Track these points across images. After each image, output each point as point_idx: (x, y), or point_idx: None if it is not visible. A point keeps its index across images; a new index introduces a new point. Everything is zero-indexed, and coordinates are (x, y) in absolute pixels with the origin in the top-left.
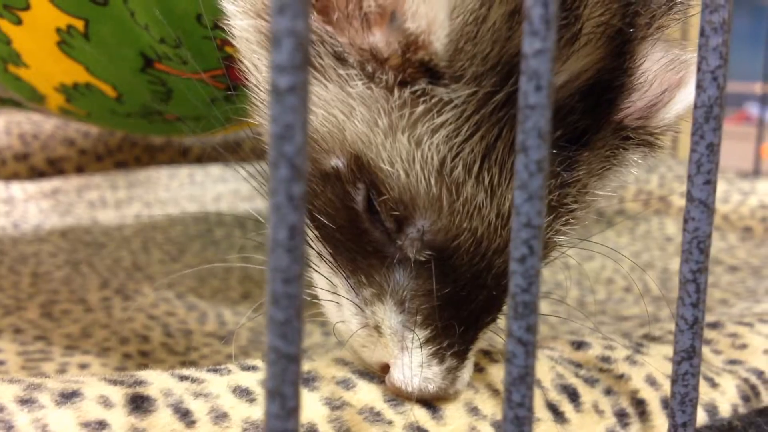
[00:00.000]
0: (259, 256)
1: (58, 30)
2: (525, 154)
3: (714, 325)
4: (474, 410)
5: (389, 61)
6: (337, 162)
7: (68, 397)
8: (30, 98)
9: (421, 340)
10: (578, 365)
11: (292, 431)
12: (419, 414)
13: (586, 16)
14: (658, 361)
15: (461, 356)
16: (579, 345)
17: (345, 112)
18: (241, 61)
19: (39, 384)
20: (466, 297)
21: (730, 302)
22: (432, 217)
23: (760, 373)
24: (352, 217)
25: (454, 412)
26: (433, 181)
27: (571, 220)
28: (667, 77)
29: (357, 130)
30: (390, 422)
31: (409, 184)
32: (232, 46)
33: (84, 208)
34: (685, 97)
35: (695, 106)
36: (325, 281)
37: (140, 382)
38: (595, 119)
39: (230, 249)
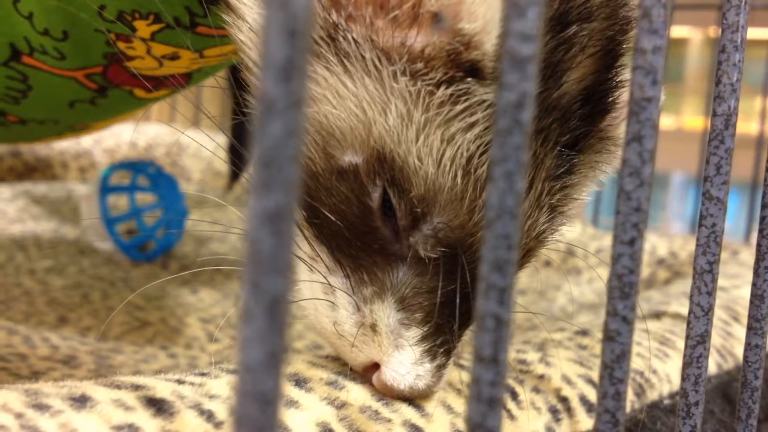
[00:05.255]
0: (60, 279)
1: None
2: (639, 143)
3: (584, 333)
4: (449, 408)
5: (434, 60)
6: (354, 158)
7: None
8: None
9: (417, 338)
10: None
11: (500, 400)
12: (410, 412)
13: (595, 27)
14: (564, 363)
15: (449, 354)
16: None
17: (378, 107)
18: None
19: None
20: (468, 294)
21: (538, 318)
22: (451, 214)
23: (641, 373)
24: (363, 213)
25: (435, 410)
26: (459, 179)
27: (564, 221)
28: None
29: (388, 126)
30: (389, 420)
31: (435, 180)
32: (126, 41)
33: None
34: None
35: (714, 114)
36: (321, 280)
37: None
38: (588, 126)
39: (17, 272)
